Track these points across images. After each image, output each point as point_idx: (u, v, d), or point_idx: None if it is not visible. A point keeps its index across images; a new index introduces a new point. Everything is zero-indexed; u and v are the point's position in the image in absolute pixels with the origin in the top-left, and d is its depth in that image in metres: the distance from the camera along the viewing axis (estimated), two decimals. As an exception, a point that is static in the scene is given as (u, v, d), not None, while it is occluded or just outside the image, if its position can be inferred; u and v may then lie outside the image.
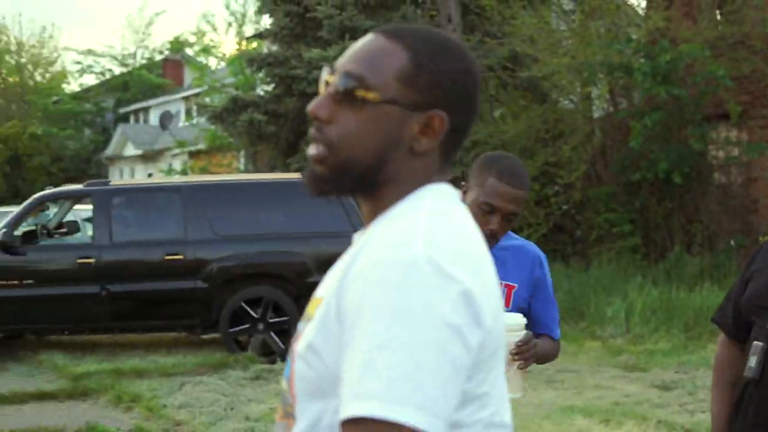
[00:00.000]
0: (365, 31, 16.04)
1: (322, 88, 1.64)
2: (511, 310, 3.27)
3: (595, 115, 16.90)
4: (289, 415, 1.59)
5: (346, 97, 1.58)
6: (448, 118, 1.58)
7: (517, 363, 3.15)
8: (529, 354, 3.16)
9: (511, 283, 3.32)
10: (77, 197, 12.89)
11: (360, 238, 1.60)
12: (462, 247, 1.50)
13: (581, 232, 16.93)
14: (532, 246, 3.45)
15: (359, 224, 9.56)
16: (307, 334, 1.54)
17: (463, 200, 3.18)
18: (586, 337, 12.25)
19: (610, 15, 15.75)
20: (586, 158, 15.75)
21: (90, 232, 12.61)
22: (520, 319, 3.19)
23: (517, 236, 3.45)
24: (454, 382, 1.42)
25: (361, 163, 1.58)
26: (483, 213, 3.13)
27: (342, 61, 1.62)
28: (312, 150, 1.61)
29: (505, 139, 15.74)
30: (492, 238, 3.15)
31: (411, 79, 1.57)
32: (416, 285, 1.40)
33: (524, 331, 3.18)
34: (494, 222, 3.14)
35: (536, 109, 16.24)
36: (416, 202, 1.58)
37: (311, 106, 1.61)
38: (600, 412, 8.19)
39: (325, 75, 1.63)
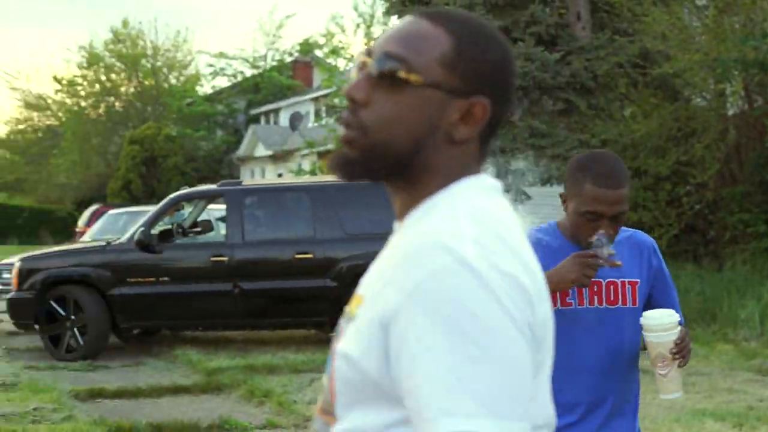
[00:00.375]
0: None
1: (354, 72, 1.58)
2: (638, 308, 3.17)
3: (729, 112, 16.51)
4: (329, 413, 1.55)
5: (385, 79, 1.51)
6: (491, 106, 1.53)
7: (678, 361, 3.10)
8: (686, 350, 3.11)
9: (633, 280, 3.20)
10: (211, 197, 13.20)
11: (399, 233, 1.55)
12: (510, 244, 1.45)
13: (714, 233, 16.56)
14: (641, 235, 3.31)
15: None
16: (348, 335, 1.50)
17: (564, 209, 3.08)
18: (718, 340, 12.00)
19: (745, 10, 15.37)
20: (720, 157, 15.41)
21: (223, 231, 12.90)
22: (675, 317, 3.11)
23: (622, 227, 3.25)
24: (531, 381, 1.41)
25: (396, 148, 1.51)
26: (588, 221, 3.03)
27: (380, 43, 1.55)
28: (342, 132, 1.55)
29: (635, 138, 15.52)
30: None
31: (453, 63, 1.51)
32: (483, 288, 1.36)
33: (679, 328, 3.10)
34: (604, 228, 3.04)
35: (668, 107, 15.96)
36: (456, 196, 1.52)
37: (347, 88, 1.55)
38: (732, 416, 8.03)
39: (361, 57, 1.56)
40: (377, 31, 36.63)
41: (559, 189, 17.46)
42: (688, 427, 7.74)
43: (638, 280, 3.19)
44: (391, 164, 1.53)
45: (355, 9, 43.55)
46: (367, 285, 1.53)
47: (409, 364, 1.38)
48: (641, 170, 15.83)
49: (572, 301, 3.11)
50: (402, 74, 1.50)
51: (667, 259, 13.71)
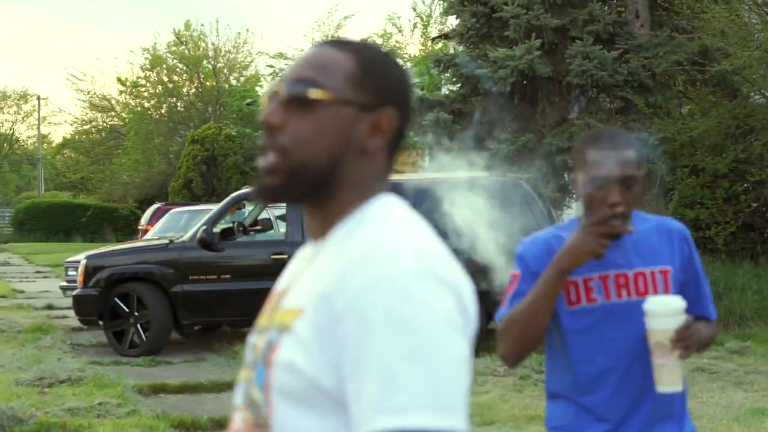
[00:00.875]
0: (551, 30, 16.05)
1: (264, 100, 1.68)
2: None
3: (789, 110, 16.31)
4: (262, 426, 1.58)
5: (298, 101, 1.61)
6: (400, 120, 1.65)
7: (678, 352, 2.77)
8: (690, 341, 2.77)
9: (664, 267, 2.93)
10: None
11: (328, 247, 1.62)
12: (441, 252, 1.55)
13: (772, 231, 16.39)
14: (672, 221, 3.05)
15: (544, 222, 9.53)
16: (287, 346, 1.54)
17: (579, 194, 2.91)
18: (778, 339, 11.91)
19: (805, 6, 15.19)
20: (779, 154, 15.24)
21: (283, 229, 13.05)
22: (679, 303, 2.80)
23: (649, 215, 3.05)
24: (467, 379, 1.48)
25: (315, 166, 1.60)
26: (597, 190, 2.81)
27: (290, 71, 1.66)
28: (262, 161, 1.64)
29: (693, 136, 15.41)
30: (622, 217, 2.81)
31: (360, 81, 1.62)
32: (419, 294, 1.45)
33: (683, 316, 2.79)
34: (613, 194, 2.79)
35: (726, 104, 15.80)
36: (385, 208, 1.62)
37: (262, 115, 1.64)
38: (790, 414, 8.00)
39: (273, 86, 1.66)
40: (433, 30, 36.63)
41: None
42: (747, 426, 7.69)
43: (669, 267, 2.94)
44: (312, 184, 1.61)
45: (414, 9, 43.40)
46: (300, 297, 1.59)
47: (350, 367, 1.46)
48: (699, 168, 15.72)
49: (598, 296, 2.90)
50: (313, 94, 1.60)
51: (725, 257, 13.55)
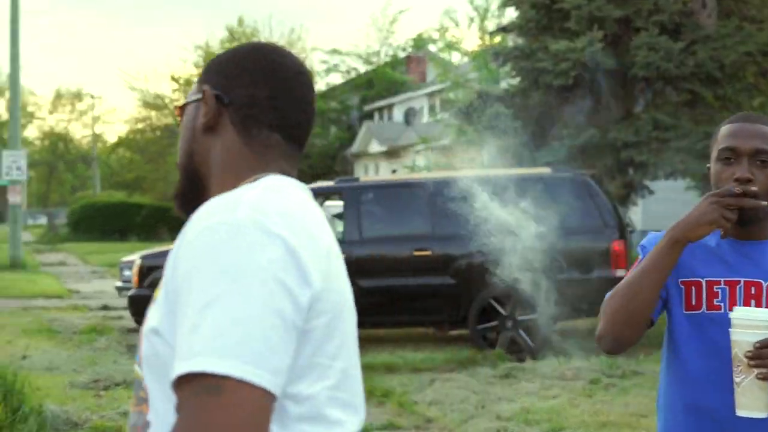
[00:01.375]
0: (614, 21, 15.68)
1: None
2: None
3: None
4: (144, 401, 1.61)
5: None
6: (222, 90, 1.74)
7: (756, 371, 2.39)
8: None
9: None
10: (328, 194, 13.11)
11: None
12: (289, 212, 1.55)
13: None
14: None
15: (611, 219, 9.19)
16: (150, 317, 1.58)
17: (711, 178, 2.60)
18: None
19: None
20: None
21: (340, 228, 12.81)
22: (764, 315, 2.43)
23: None
24: (284, 336, 1.44)
25: (184, 161, 1.79)
26: (725, 165, 2.55)
27: None
28: None
29: (765, 130, 14.96)
30: (752, 196, 2.47)
31: (200, 81, 1.80)
32: (241, 243, 1.45)
33: None
34: (743, 168, 2.51)
35: (799, 97, 15.36)
36: (253, 182, 1.65)
37: None
38: None
39: None
40: (490, 24, 36.30)
41: (684, 183, 16.93)
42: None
43: None
44: (190, 181, 1.79)
45: (471, 2, 43.06)
46: (165, 269, 1.62)
47: (179, 316, 1.47)
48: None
49: (721, 303, 2.53)
50: (176, 109, 1.85)
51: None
